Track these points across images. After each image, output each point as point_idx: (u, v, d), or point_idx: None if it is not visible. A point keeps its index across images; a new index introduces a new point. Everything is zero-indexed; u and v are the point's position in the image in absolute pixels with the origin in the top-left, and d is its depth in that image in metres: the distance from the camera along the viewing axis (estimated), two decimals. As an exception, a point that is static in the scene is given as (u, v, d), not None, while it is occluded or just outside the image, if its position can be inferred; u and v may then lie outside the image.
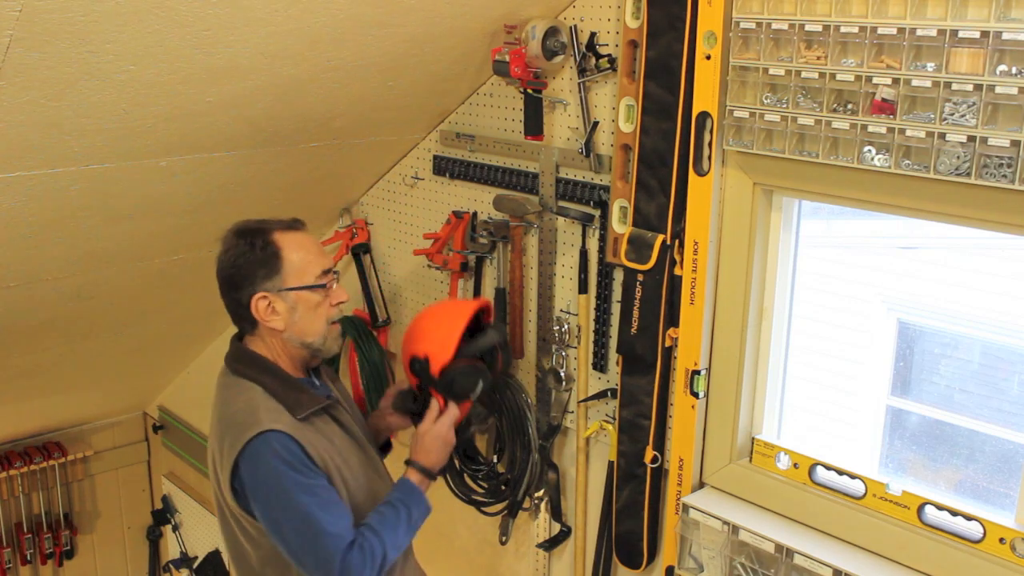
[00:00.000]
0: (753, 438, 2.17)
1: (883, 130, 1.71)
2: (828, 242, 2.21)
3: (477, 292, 2.65)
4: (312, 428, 1.99)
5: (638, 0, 2.06)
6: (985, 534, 1.80)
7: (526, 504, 2.58)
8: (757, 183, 1.99)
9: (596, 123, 2.24)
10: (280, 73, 2.06)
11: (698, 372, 2.11)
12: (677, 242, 2.11)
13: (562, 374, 2.44)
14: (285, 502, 1.88)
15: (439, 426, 2.12)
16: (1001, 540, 1.78)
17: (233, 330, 2.14)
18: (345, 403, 2.18)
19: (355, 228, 2.94)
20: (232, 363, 2.07)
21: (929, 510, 1.88)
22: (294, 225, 2.05)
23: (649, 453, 2.24)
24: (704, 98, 1.96)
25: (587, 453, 2.47)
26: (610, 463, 2.37)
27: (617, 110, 2.16)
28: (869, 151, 1.75)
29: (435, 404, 2.13)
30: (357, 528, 1.93)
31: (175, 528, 4.36)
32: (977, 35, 1.57)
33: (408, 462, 2.10)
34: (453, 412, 2.13)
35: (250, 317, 2.01)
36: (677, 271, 2.11)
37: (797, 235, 2.08)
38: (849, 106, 1.77)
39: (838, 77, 1.75)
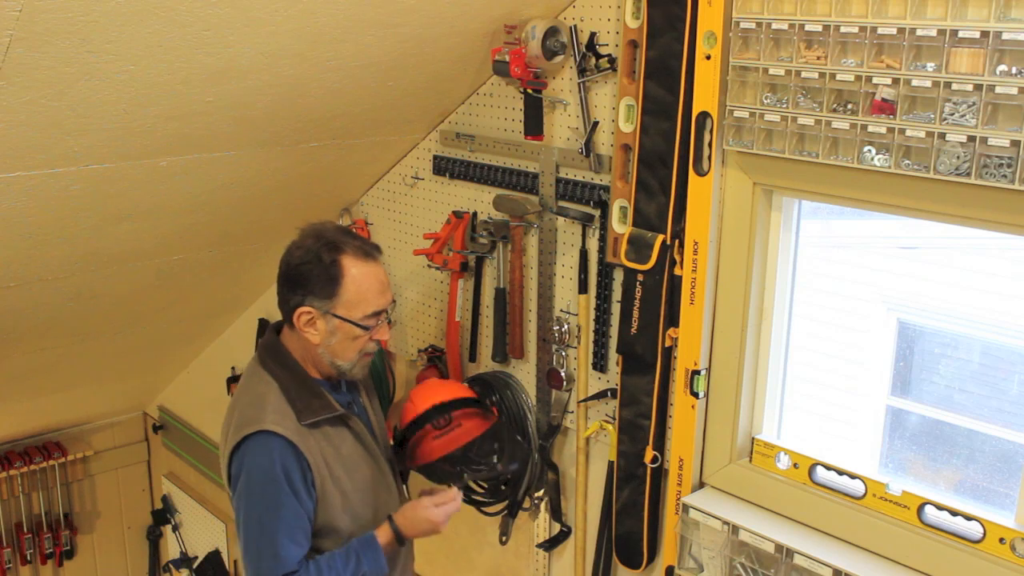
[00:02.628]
0: (753, 438, 2.17)
1: (883, 130, 1.71)
2: (828, 242, 2.21)
3: (477, 292, 2.65)
4: (319, 434, 1.99)
5: (638, 0, 2.06)
6: (985, 534, 1.80)
7: (526, 504, 2.58)
8: (757, 183, 1.99)
9: (596, 123, 2.24)
10: (280, 73, 2.06)
11: (698, 372, 2.11)
12: (677, 242, 2.11)
13: (562, 374, 2.44)
14: (252, 507, 1.92)
15: (436, 511, 2.08)
16: (1001, 540, 1.78)
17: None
18: (372, 414, 2.19)
19: (355, 228, 2.94)
20: (262, 352, 2.09)
21: (929, 510, 1.88)
22: (370, 253, 2.01)
23: (649, 453, 2.24)
24: (704, 98, 1.96)
25: (587, 453, 2.47)
26: (610, 463, 2.37)
27: (617, 110, 2.16)
28: (869, 151, 1.75)
29: (453, 490, 2.13)
30: (306, 561, 1.94)
31: (175, 528, 4.36)
32: (977, 35, 1.57)
33: (389, 519, 2.07)
34: (456, 505, 2.11)
35: (289, 311, 2.02)
36: (677, 271, 2.11)
37: (797, 235, 2.08)
38: (849, 106, 1.77)
39: (838, 77, 1.75)
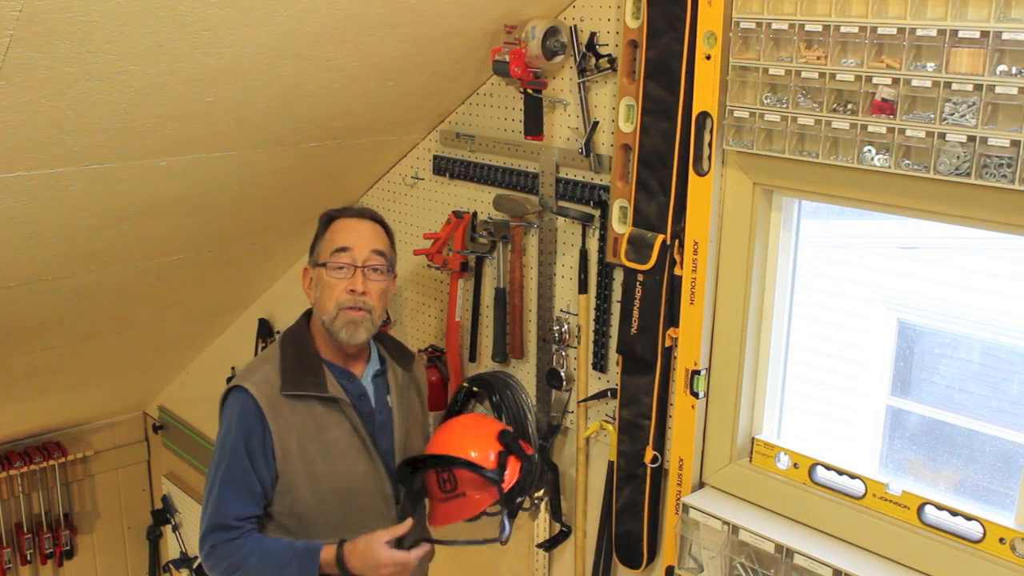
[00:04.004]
0: (753, 438, 2.17)
1: (883, 130, 1.71)
2: (828, 242, 2.21)
3: (477, 292, 2.65)
4: (303, 409, 2.04)
5: (638, 0, 2.06)
6: (985, 534, 1.80)
7: (526, 504, 2.58)
8: (757, 183, 1.99)
9: (596, 123, 2.24)
10: (280, 73, 2.06)
11: (698, 372, 2.11)
12: (677, 242, 2.11)
13: (562, 374, 2.44)
14: (214, 455, 2.03)
15: (388, 554, 1.94)
16: (1001, 540, 1.78)
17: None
18: (398, 416, 2.17)
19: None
20: (286, 330, 2.18)
21: (929, 510, 1.88)
22: (362, 213, 2.17)
23: (649, 453, 2.24)
24: (704, 98, 1.96)
25: (587, 453, 2.47)
26: (610, 463, 2.37)
27: (617, 110, 2.16)
28: (869, 151, 1.75)
29: (408, 525, 2.00)
30: (248, 527, 2.00)
31: (175, 528, 4.36)
32: (977, 35, 1.57)
33: (341, 544, 1.97)
34: (415, 556, 2.00)
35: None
36: (677, 271, 2.11)
37: (797, 235, 2.08)
38: (849, 106, 1.77)
39: (838, 77, 1.75)
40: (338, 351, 2.12)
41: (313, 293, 2.11)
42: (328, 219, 2.14)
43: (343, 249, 2.07)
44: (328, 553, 1.97)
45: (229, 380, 2.14)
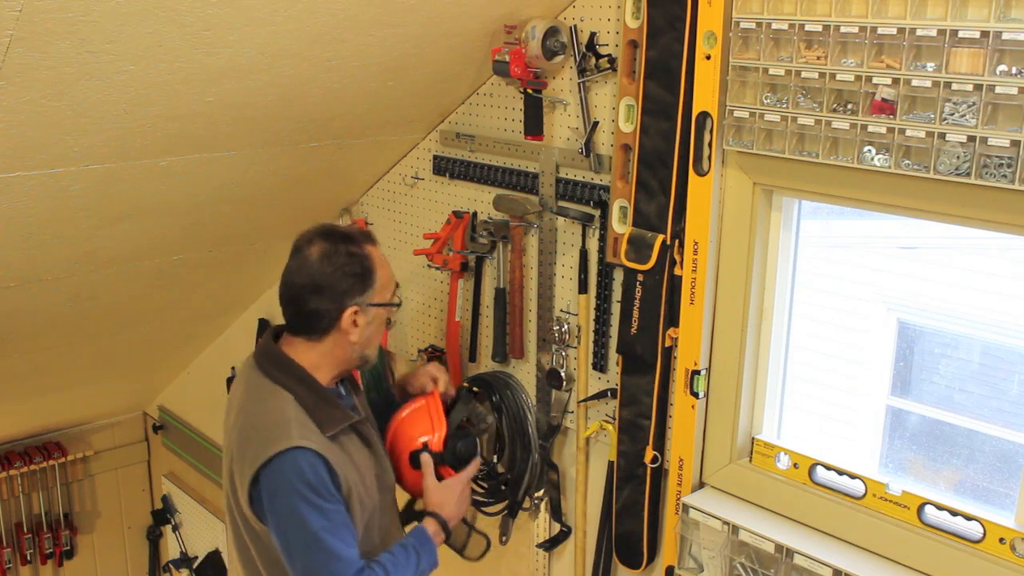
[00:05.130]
0: (753, 438, 2.17)
1: (883, 130, 1.71)
2: (828, 242, 2.21)
3: (477, 292, 2.65)
4: (338, 446, 1.97)
5: (638, 0, 2.06)
6: (985, 534, 1.80)
7: (526, 504, 2.58)
8: (757, 183, 1.99)
9: (596, 123, 2.24)
10: (280, 73, 2.06)
11: (698, 372, 2.11)
12: (677, 242, 2.11)
13: (562, 374, 2.44)
14: (298, 522, 1.87)
15: (456, 481, 2.16)
16: (1001, 540, 1.78)
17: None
18: (360, 405, 2.16)
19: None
20: (264, 364, 2.02)
21: (929, 510, 1.88)
22: (374, 239, 2.05)
23: (649, 453, 2.24)
24: (704, 98, 1.96)
25: (587, 453, 2.47)
26: (610, 463, 2.37)
27: (617, 110, 2.16)
28: (869, 151, 1.75)
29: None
30: (368, 561, 1.93)
31: (175, 528, 4.36)
32: (977, 35, 1.57)
33: (428, 513, 2.11)
34: (469, 471, 2.19)
35: (324, 325, 1.97)
36: (677, 271, 2.11)
37: (797, 235, 2.08)
38: (849, 106, 1.77)
39: (838, 77, 1.75)
40: (337, 375, 2.05)
41: (363, 332, 1.98)
42: (361, 251, 1.97)
43: (397, 284, 2.06)
44: (430, 525, 2.08)
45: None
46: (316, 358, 2.00)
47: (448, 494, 2.14)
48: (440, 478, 2.18)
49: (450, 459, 2.20)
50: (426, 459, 2.16)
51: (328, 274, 1.94)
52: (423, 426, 2.22)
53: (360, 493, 1.99)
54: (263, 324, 3.43)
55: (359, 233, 2.03)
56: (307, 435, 1.91)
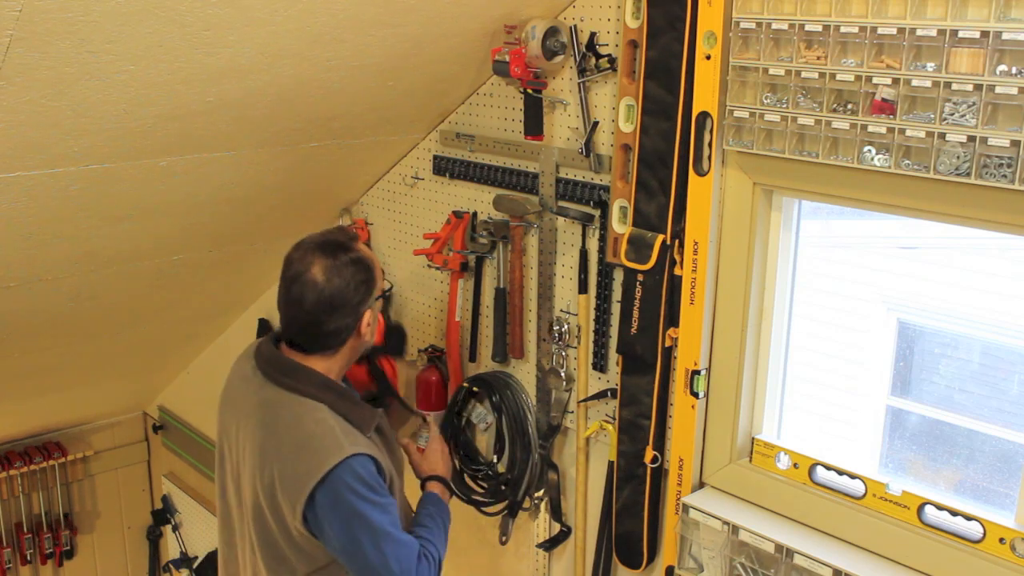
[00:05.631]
0: (753, 438, 2.17)
1: (883, 130, 1.71)
2: (828, 242, 2.21)
3: (477, 292, 2.65)
4: (371, 441, 2.00)
5: (638, 0, 2.06)
6: (985, 534, 1.80)
7: (526, 504, 2.58)
8: (757, 183, 1.99)
9: (596, 123, 2.24)
10: (280, 73, 2.06)
11: (698, 372, 2.11)
12: (677, 242, 2.11)
13: (562, 374, 2.44)
14: (365, 522, 1.87)
15: (435, 441, 2.33)
16: (1001, 540, 1.78)
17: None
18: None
19: (355, 228, 2.94)
20: (274, 375, 1.99)
21: (929, 510, 1.88)
22: (356, 235, 2.08)
23: (649, 453, 2.24)
24: (704, 98, 1.96)
25: (587, 453, 2.47)
26: (610, 463, 2.37)
27: (617, 110, 2.16)
28: (869, 151, 1.75)
29: (424, 427, 2.43)
30: (418, 539, 1.98)
31: (175, 528, 4.36)
32: (977, 35, 1.57)
33: (429, 478, 2.23)
34: (434, 429, 2.39)
35: (343, 339, 1.98)
36: (677, 271, 2.11)
37: (797, 235, 2.08)
38: (849, 106, 1.77)
39: (838, 77, 1.75)
40: (341, 373, 2.07)
41: (373, 327, 2.03)
42: (357, 257, 1.96)
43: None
44: (435, 487, 2.21)
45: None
46: (330, 363, 2.01)
47: (436, 456, 2.29)
48: (381, 370, 2.35)
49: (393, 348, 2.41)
50: (407, 443, 2.31)
51: (340, 289, 1.92)
52: None
53: (393, 478, 2.04)
54: (263, 324, 3.43)
55: (346, 236, 2.01)
56: (355, 441, 1.93)
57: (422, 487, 2.22)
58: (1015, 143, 1.57)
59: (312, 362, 2.00)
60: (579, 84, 2.22)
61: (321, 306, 1.93)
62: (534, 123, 2.32)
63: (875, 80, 1.71)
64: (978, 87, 1.59)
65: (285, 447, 1.93)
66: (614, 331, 2.33)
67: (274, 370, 2.01)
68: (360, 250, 1.98)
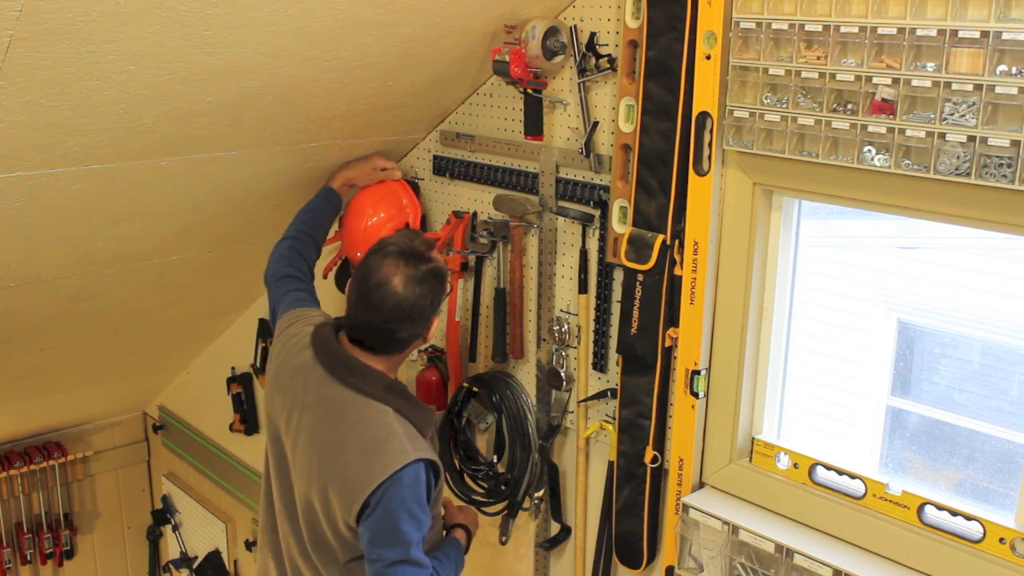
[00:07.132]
0: (753, 438, 2.17)
1: (883, 130, 1.71)
2: (828, 242, 2.21)
3: (477, 292, 2.65)
4: (430, 443, 2.06)
5: (638, 0, 2.06)
6: (985, 534, 1.80)
7: (526, 504, 2.58)
8: (757, 183, 1.99)
9: (596, 123, 2.24)
10: (280, 73, 2.06)
11: (698, 372, 2.11)
12: (677, 242, 2.11)
13: (562, 374, 2.44)
14: (397, 531, 1.92)
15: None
16: (1001, 540, 1.78)
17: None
18: None
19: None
20: (343, 374, 2.00)
21: (929, 510, 1.88)
22: (430, 241, 2.11)
23: (649, 453, 2.24)
24: (704, 98, 1.96)
25: (587, 453, 2.47)
26: (610, 463, 2.37)
27: (617, 110, 2.16)
28: (869, 151, 1.75)
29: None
30: (432, 563, 2.01)
31: (175, 528, 4.36)
32: (977, 35, 1.57)
33: (456, 525, 2.24)
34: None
35: (409, 344, 2.03)
36: (677, 271, 2.11)
37: (797, 235, 2.08)
38: (849, 106, 1.77)
39: (838, 77, 1.75)
40: (397, 371, 2.10)
41: (435, 333, 2.12)
42: (439, 266, 2.01)
43: None
44: (461, 536, 2.22)
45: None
46: (392, 363, 2.05)
47: (470, 511, 2.32)
48: None
49: None
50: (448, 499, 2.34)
51: (418, 301, 1.96)
52: None
53: (442, 476, 2.09)
54: (263, 324, 3.43)
55: (425, 244, 2.02)
56: (419, 446, 1.97)
57: (446, 532, 2.24)
58: (1015, 143, 1.57)
59: (376, 362, 2.02)
60: (579, 84, 2.22)
61: (398, 315, 1.96)
62: (534, 123, 2.32)
63: (875, 80, 1.71)
64: (978, 87, 1.59)
65: (349, 449, 1.96)
66: (614, 331, 2.33)
67: (339, 367, 2.01)
68: (436, 259, 2.01)
